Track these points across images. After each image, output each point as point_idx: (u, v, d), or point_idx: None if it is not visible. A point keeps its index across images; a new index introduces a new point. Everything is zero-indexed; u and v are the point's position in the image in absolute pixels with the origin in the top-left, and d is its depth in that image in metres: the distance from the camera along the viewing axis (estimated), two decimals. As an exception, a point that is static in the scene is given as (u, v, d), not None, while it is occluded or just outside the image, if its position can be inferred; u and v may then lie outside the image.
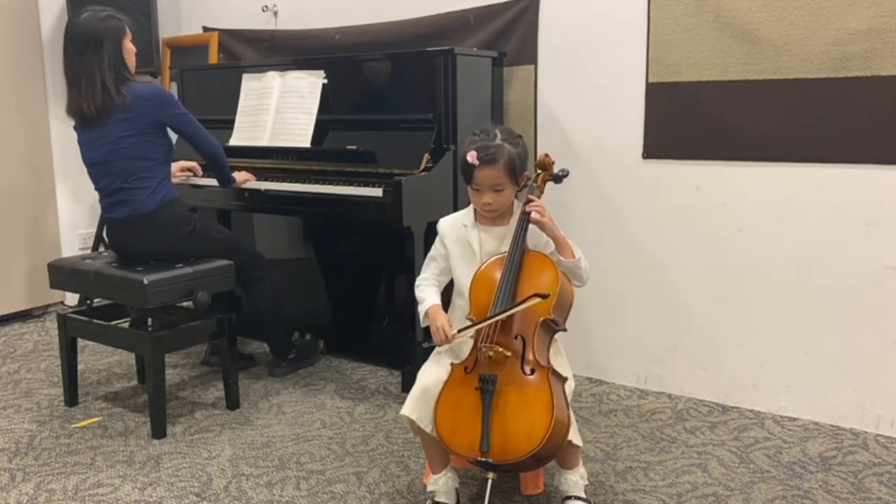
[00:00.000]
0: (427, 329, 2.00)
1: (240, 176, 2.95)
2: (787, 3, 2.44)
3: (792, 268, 2.56)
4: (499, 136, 1.96)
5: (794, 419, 2.60)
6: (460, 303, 2.02)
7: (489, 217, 2.02)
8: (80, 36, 2.56)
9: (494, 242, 2.01)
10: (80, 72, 2.55)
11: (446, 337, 1.91)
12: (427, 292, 2.04)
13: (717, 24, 2.56)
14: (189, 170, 3.16)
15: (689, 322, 2.78)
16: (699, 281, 2.74)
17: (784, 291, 2.58)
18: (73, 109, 2.60)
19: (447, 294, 2.10)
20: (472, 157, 1.92)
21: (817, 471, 2.26)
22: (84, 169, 2.66)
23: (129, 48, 2.63)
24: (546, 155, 2.08)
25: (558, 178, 2.11)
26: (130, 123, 2.55)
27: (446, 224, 2.08)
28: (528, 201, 1.96)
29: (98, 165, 2.63)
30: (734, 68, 2.55)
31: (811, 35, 2.42)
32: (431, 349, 2.06)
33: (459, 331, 1.91)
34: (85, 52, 2.54)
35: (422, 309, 2.02)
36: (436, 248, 2.09)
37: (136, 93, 2.57)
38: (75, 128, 2.65)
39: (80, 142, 2.66)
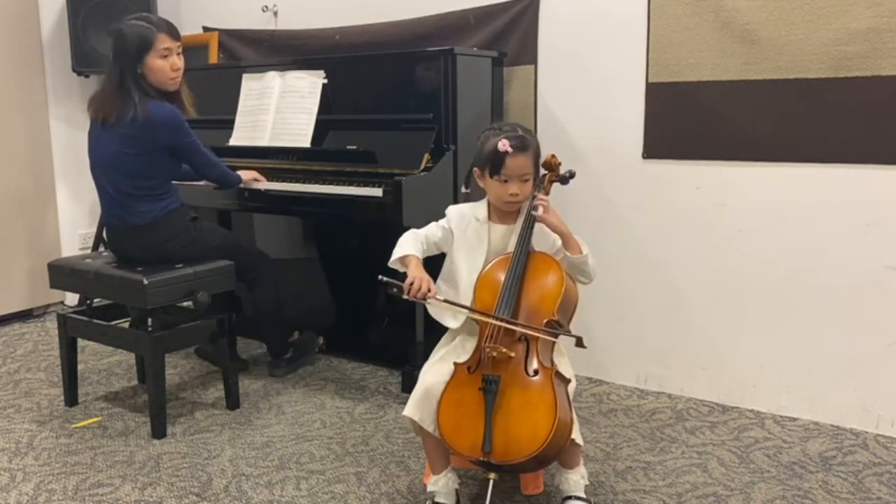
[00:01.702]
0: (393, 273, 1.95)
1: (248, 174, 2.92)
2: (787, 3, 2.44)
3: (792, 268, 2.56)
4: (519, 128, 1.98)
5: (794, 419, 2.60)
6: (445, 288, 2.02)
7: (509, 210, 2.01)
8: (112, 41, 2.56)
9: (503, 240, 2.02)
10: (106, 74, 2.58)
11: (427, 291, 1.86)
12: (412, 245, 1.98)
13: (717, 24, 2.56)
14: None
15: (689, 322, 2.78)
16: (699, 281, 2.74)
17: (784, 291, 2.58)
18: (90, 106, 2.61)
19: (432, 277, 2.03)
20: (504, 145, 1.91)
21: (817, 471, 2.26)
22: (84, 169, 2.65)
23: (155, 66, 2.52)
24: (553, 156, 2.07)
25: (565, 180, 2.11)
26: (135, 142, 2.50)
27: (455, 212, 2.07)
28: (533, 198, 1.96)
29: (99, 169, 2.62)
30: (734, 68, 2.55)
31: (811, 35, 2.42)
32: (432, 345, 2.06)
33: (447, 301, 1.90)
34: (110, 58, 2.57)
35: (400, 252, 1.97)
36: (442, 224, 2.06)
37: (147, 114, 2.48)
38: (92, 122, 2.63)
39: (89, 135, 2.64)
